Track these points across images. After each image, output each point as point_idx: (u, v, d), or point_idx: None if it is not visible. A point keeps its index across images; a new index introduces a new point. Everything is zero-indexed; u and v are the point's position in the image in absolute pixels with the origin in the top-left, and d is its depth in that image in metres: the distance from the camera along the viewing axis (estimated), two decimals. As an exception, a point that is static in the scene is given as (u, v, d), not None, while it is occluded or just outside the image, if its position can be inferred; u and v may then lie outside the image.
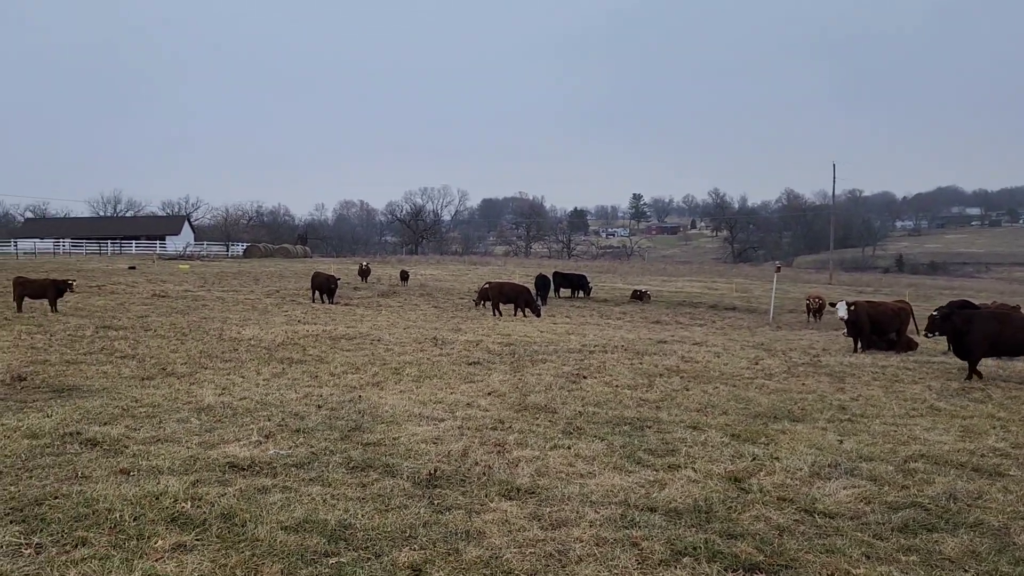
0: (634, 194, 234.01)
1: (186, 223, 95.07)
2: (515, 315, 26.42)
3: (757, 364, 14.58)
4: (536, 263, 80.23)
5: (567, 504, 5.88)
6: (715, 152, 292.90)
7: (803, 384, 12.45)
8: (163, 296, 27.80)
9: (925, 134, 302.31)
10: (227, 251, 77.45)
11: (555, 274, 39.63)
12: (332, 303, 28.06)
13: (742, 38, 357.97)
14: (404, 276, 43.50)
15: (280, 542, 4.91)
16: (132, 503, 5.40)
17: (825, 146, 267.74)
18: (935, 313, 13.36)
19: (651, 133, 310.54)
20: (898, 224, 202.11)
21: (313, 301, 28.71)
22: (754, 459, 7.35)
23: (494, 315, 26.57)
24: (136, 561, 4.51)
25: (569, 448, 7.56)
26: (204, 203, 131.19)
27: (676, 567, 4.80)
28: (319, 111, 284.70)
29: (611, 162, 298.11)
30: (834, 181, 78.65)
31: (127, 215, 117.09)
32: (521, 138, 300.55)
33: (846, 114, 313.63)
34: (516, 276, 45.07)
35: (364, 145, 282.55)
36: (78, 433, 7.27)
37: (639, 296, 38.01)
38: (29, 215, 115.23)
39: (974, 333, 12.75)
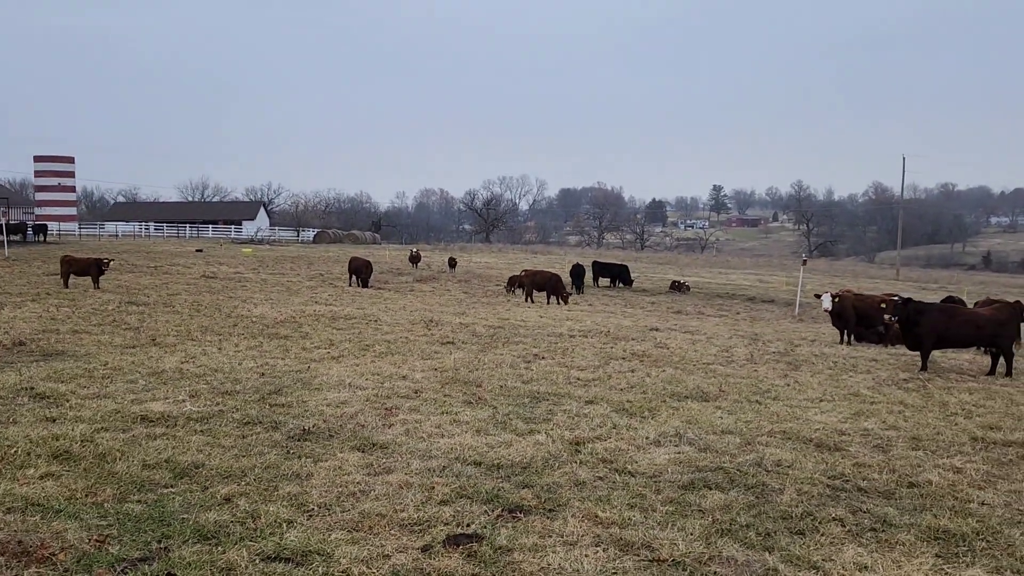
0: (714, 185, 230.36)
1: (262, 209, 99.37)
2: (548, 303, 27.11)
3: (727, 352, 14.98)
4: (594, 253, 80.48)
5: (404, 457, 6.75)
6: (801, 143, 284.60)
7: (754, 371, 12.86)
8: (211, 277, 29.76)
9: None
10: (297, 236, 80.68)
11: (594, 263, 40.10)
12: (365, 287, 29.45)
13: (828, 25, 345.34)
14: (452, 263, 44.72)
15: (133, 475, 5.96)
16: (33, 442, 6.56)
17: (921, 137, 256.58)
18: (897, 298, 13.54)
19: (735, 123, 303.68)
20: (992, 220, 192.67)
21: (350, 284, 30.19)
22: (613, 428, 8.03)
23: (526, 301, 27.44)
24: (3, 484, 5.62)
25: (455, 415, 8.40)
26: (285, 190, 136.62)
27: (449, 505, 5.62)
28: (408, 97, 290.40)
29: (693, 153, 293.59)
30: (903, 175, 76.02)
31: (213, 200, 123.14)
32: (601, 127, 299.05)
33: (944, 104, 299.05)
34: (562, 266, 45.72)
35: (447, 133, 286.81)
36: (32, 388, 8.56)
37: (677, 287, 38.15)
38: (121, 199, 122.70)
39: (923, 325, 12.90)
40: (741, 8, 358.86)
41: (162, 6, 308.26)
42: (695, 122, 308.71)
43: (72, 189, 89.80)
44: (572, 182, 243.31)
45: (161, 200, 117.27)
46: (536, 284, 28.58)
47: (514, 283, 30.79)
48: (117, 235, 68.20)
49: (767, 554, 4.94)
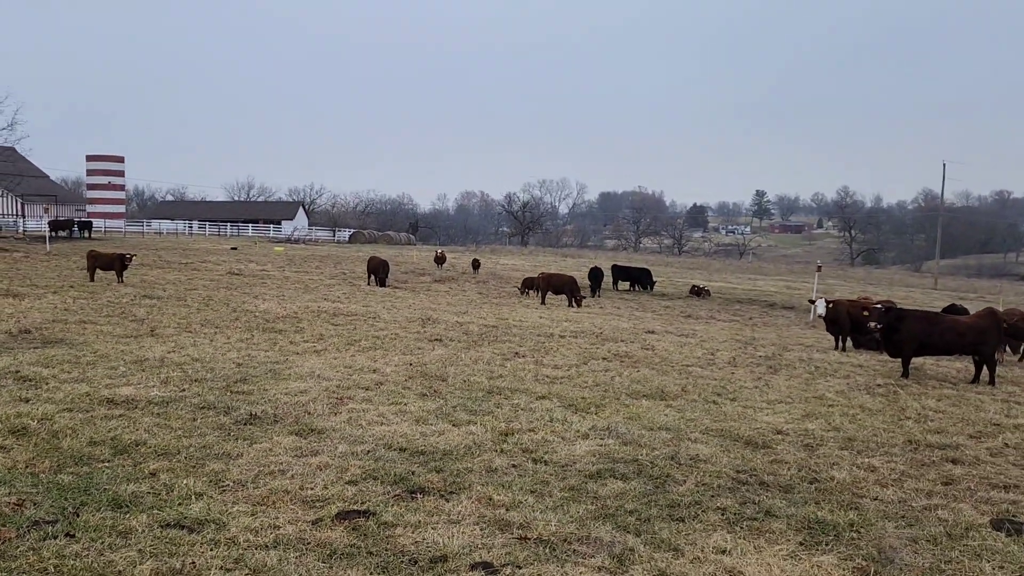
0: (757, 191, 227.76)
1: (300, 209, 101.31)
2: (569, 305, 27.27)
3: (711, 355, 15.13)
4: (624, 257, 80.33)
5: (334, 442, 7.17)
6: (850, 149, 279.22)
7: (731, 373, 13.03)
8: (236, 274, 30.73)
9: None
10: (333, 236, 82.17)
11: (613, 267, 40.16)
12: (382, 286, 30.08)
13: (878, 28, 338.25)
14: (476, 265, 45.22)
15: (75, 451, 6.49)
16: (-1, 419, 7.15)
17: (975, 143, 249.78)
18: (879, 306, 13.55)
19: (781, 127, 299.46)
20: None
21: (368, 283, 30.86)
22: (550, 421, 8.35)
23: (543, 303, 27.78)
24: (-42, 453, 6.20)
25: (403, 406, 8.81)
26: (327, 191, 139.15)
27: (356, 485, 6.02)
28: (453, 100, 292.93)
29: (736, 157, 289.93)
30: (943, 182, 73.98)
31: (257, 200, 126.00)
32: (645, 131, 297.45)
33: (998, 110, 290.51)
34: (581, 269, 45.89)
35: (490, 136, 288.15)
36: (18, 372, 9.22)
37: (697, 292, 38.03)
38: (169, 198, 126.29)
39: (904, 333, 12.90)
40: (789, 7, 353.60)
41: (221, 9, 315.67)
42: (739, 126, 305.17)
43: (121, 188, 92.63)
44: (613, 186, 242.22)
45: (207, 199, 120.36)
46: (552, 286, 28.89)
47: (529, 285, 31.12)
48: (161, 232, 70.32)
49: (634, 536, 5.24)
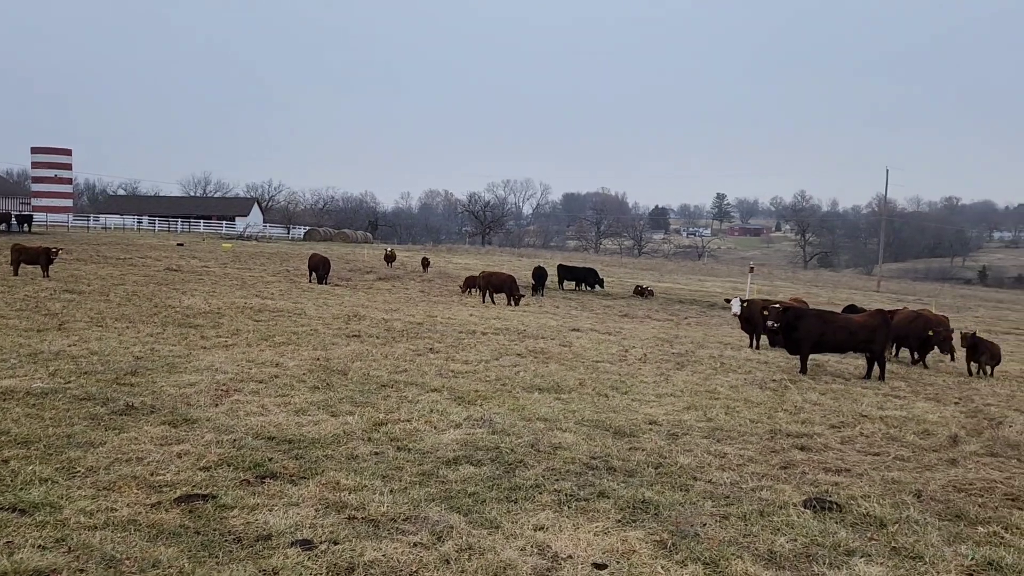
0: (717, 193, 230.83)
1: (256, 205, 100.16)
2: (507, 303, 27.59)
3: (625, 352, 15.52)
4: (581, 257, 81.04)
5: (203, 432, 7.33)
6: (808, 155, 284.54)
7: (637, 369, 13.42)
8: (174, 270, 30.44)
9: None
10: (287, 233, 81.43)
11: (559, 267, 40.57)
12: (322, 283, 30.06)
13: (839, 41, 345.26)
14: (425, 263, 45.30)
15: (-66, 436, 6.55)
16: None
17: (928, 152, 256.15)
18: (777, 306, 14.06)
19: (742, 132, 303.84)
20: (996, 235, 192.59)
21: (309, 281, 30.81)
22: (430, 412, 8.60)
23: (483, 302, 28.02)
24: None
25: (288, 398, 8.99)
26: (285, 187, 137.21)
27: (208, 471, 6.21)
28: (417, 99, 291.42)
29: (699, 161, 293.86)
30: (886, 187, 77.43)
31: (215, 196, 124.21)
32: (609, 133, 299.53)
33: (951, 120, 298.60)
34: (527, 267, 46.27)
35: (455, 136, 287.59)
36: (-103, 361, 9.17)
37: (641, 292, 38.61)
38: (121, 193, 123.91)
39: (800, 330, 13.43)
40: (756, 15, 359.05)
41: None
42: (703, 130, 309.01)
43: (69, 181, 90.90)
44: (577, 187, 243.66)
45: (161, 195, 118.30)
46: (491, 285, 29.17)
47: (471, 284, 31.36)
48: (107, 227, 69.01)
49: (461, 516, 5.51)
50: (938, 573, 4.82)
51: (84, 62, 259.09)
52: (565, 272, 40.08)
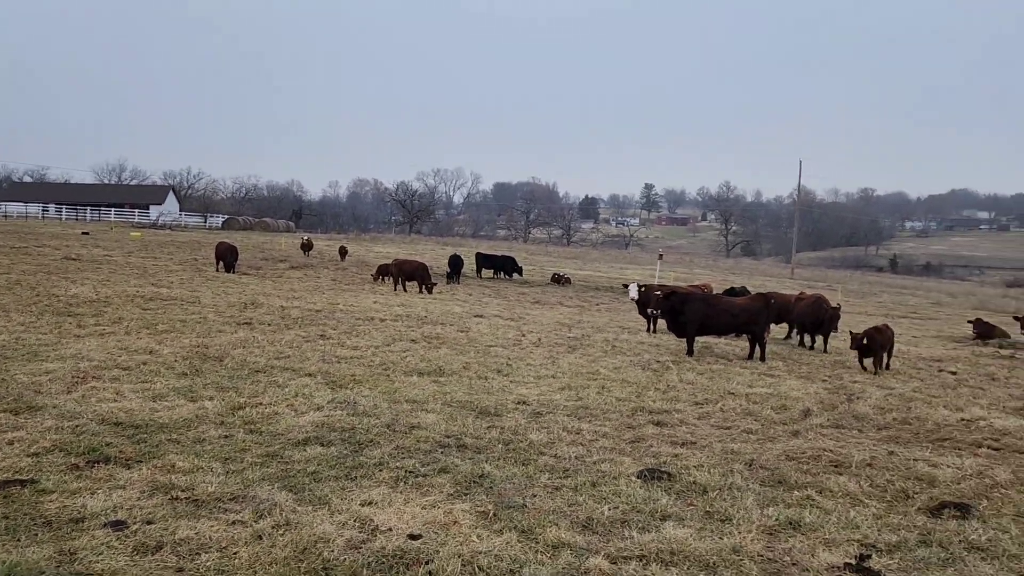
0: (645, 184, 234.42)
1: (171, 193, 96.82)
2: (419, 291, 27.46)
3: (521, 336, 15.68)
4: (505, 246, 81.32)
5: (45, 417, 7.12)
6: (736, 146, 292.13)
7: (528, 352, 13.59)
8: (73, 259, 29.21)
9: (944, 135, 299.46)
10: (204, 222, 79.08)
11: (477, 255, 40.65)
12: (229, 271, 29.36)
13: (772, 32, 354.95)
14: (343, 252, 44.69)
15: None
16: None
17: (847, 143, 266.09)
18: (659, 293, 14.44)
19: (669, 124, 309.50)
20: (908, 225, 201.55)
21: (217, 269, 30.03)
22: (294, 396, 8.54)
23: (395, 290, 27.82)
24: None
25: (151, 384, 8.80)
26: (205, 175, 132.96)
27: (38, 456, 6.04)
28: (348, 86, 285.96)
29: (628, 151, 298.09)
30: (799, 178, 78.55)
31: (132, 183, 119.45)
32: (539, 123, 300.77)
33: (868, 111, 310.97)
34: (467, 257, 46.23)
35: (384, 124, 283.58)
36: None
37: (558, 280, 39.05)
38: (27, 179, 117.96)
39: (686, 314, 13.83)
40: (684, 8, 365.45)
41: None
42: (633, 120, 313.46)
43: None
44: (508, 176, 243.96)
45: (72, 182, 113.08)
46: (403, 273, 29.01)
47: (383, 272, 31.13)
48: (8, 215, 65.72)
49: (291, 494, 5.51)
50: (740, 533, 5.07)
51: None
52: (483, 260, 40.15)
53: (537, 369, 11.66)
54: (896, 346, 18.38)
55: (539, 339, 15.31)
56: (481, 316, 19.49)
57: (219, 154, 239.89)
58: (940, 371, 14.29)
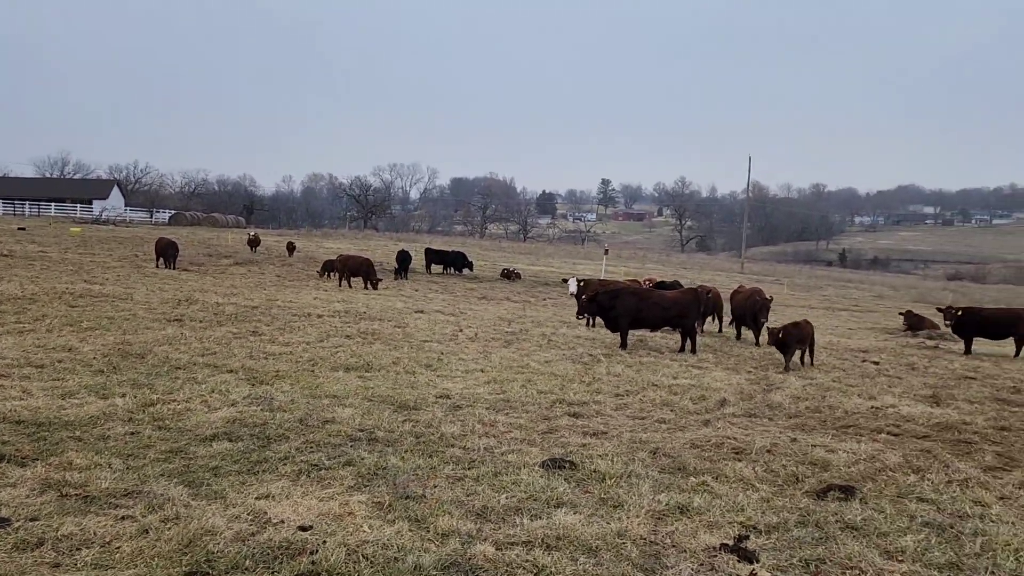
0: (602, 179, 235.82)
1: (116, 188, 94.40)
2: (364, 287, 27.32)
3: (458, 332, 15.72)
4: (460, 242, 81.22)
5: (-56, 416, 6.93)
6: (691, 141, 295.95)
7: (463, 347, 13.63)
8: (4, 256, 28.36)
9: (893, 131, 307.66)
10: (150, 217, 77.39)
11: (426, 250, 40.55)
12: (170, 267, 28.83)
13: (731, 27, 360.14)
14: (291, 248, 44.14)
15: None
16: None
17: (802, 139, 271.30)
18: (584, 297, 14.64)
19: (626, 119, 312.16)
20: (857, 220, 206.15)
21: (156, 266, 29.45)
22: (210, 392, 8.48)
23: (339, 286, 27.63)
24: None
25: (63, 381, 8.69)
26: (153, 169, 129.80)
27: (-75, 457, 5.89)
28: (304, 80, 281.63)
29: (585, 147, 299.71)
30: (749, 173, 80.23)
31: (75, 177, 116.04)
32: (497, 118, 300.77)
33: (822, 108, 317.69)
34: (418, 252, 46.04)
35: (339, 118, 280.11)
36: None
37: (508, 275, 39.17)
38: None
39: (618, 309, 14.04)
40: (639, 2, 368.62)
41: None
42: (590, 116, 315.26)
43: None
44: (465, 171, 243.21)
45: (8, 176, 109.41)
46: (349, 269, 28.83)
47: (329, 268, 30.88)
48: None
49: (188, 488, 5.49)
50: (628, 517, 5.20)
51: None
52: (433, 256, 40.04)
53: (468, 363, 11.73)
54: (829, 338, 19.06)
55: (476, 334, 15.38)
56: (422, 312, 19.48)
57: (168, 148, 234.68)
58: (864, 361, 14.73)
